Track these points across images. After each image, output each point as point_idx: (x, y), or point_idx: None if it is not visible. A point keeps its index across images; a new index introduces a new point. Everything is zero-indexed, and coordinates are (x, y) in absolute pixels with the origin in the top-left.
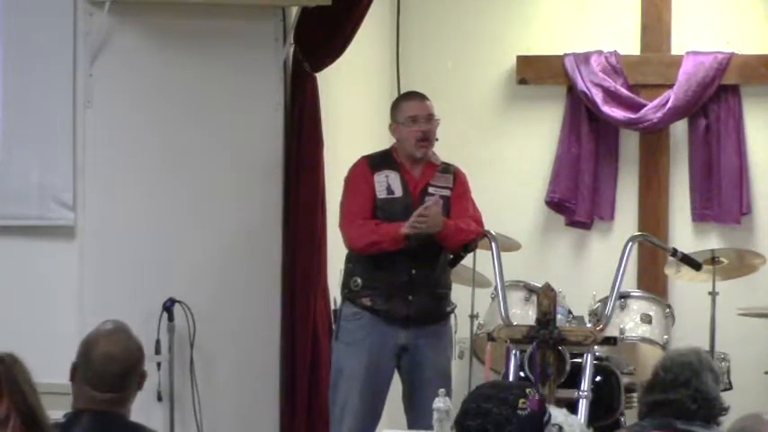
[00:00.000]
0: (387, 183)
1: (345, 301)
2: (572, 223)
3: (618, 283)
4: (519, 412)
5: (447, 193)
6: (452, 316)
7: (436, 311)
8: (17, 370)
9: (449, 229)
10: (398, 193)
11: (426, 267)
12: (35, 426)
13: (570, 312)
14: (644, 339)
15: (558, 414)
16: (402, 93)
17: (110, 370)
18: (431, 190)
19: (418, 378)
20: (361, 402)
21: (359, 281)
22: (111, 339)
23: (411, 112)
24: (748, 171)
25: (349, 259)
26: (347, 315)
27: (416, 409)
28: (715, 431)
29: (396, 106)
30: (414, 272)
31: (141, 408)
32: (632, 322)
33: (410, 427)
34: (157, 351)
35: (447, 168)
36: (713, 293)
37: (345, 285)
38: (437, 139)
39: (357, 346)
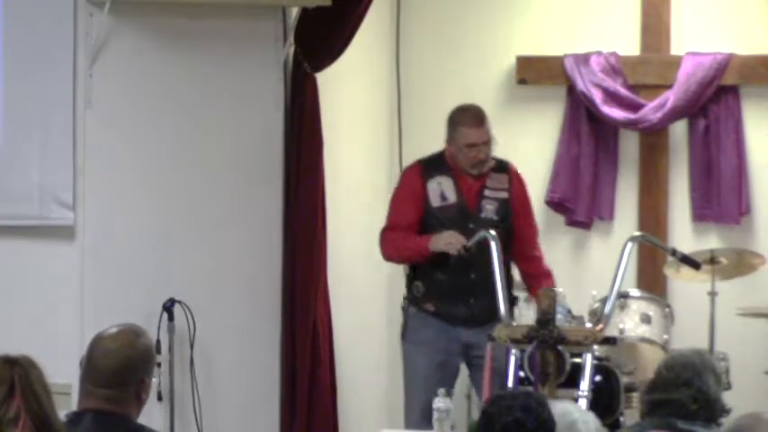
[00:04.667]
0: (440, 190)
1: (410, 305)
2: (572, 223)
3: (617, 283)
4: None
5: (504, 195)
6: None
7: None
8: (33, 372)
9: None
10: (452, 198)
11: (486, 271)
12: (46, 428)
13: (570, 312)
14: (643, 339)
15: (572, 410)
16: (460, 108)
17: (104, 363)
18: (486, 193)
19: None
20: (428, 398)
21: (420, 286)
22: (114, 336)
23: (469, 139)
24: (748, 171)
25: (410, 265)
26: (412, 314)
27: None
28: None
29: (453, 124)
30: (473, 276)
31: None
32: (632, 322)
33: None
34: (157, 351)
35: (501, 166)
36: (712, 293)
37: (408, 290)
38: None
39: (424, 345)
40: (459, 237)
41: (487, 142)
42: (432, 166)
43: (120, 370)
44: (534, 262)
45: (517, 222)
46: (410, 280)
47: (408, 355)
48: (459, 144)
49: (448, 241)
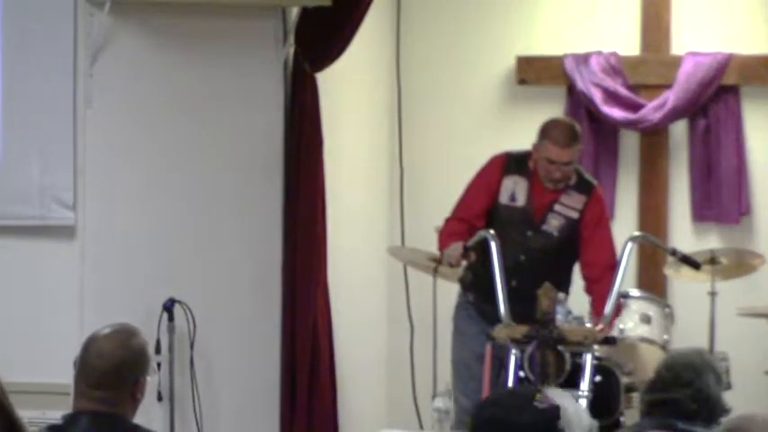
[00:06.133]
0: (513, 189)
1: (461, 289)
2: None
3: (617, 283)
4: (535, 403)
5: (574, 215)
6: None
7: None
8: None
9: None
10: (521, 202)
11: (528, 281)
12: (13, 427)
13: (570, 312)
14: (643, 339)
15: (567, 404)
16: (554, 121)
17: (98, 365)
18: (556, 208)
19: None
20: (471, 387)
21: (470, 275)
22: (108, 337)
23: (550, 155)
24: (747, 171)
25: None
26: (460, 304)
27: None
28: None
29: (542, 134)
30: (514, 283)
31: (141, 408)
32: (632, 322)
33: None
34: (157, 351)
35: (584, 187)
36: (712, 293)
37: (464, 274)
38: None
39: (464, 336)
40: (454, 255)
41: (569, 163)
42: (515, 162)
43: (115, 371)
44: (600, 284)
45: (585, 247)
46: (468, 265)
47: (452, 340)
48: (541, 155)
49: (446, 257)
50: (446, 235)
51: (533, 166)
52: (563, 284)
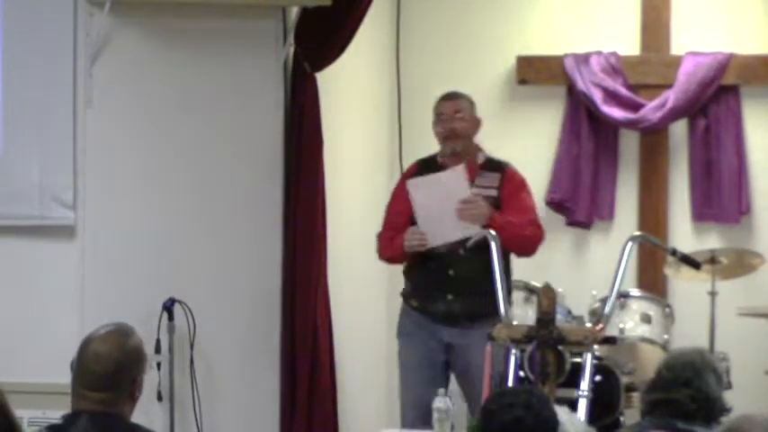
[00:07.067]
0: None
1: (402, 301)
2: (572, 223)
3: (617, 283)
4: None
5: (493, 193)
6: None
7: (481, 310)
8: None
9: (495, 223)
10: None
11: (465, 267)
12: (12, 427)
13: (570, 312)
14: (643, 339)
15: (560, 413)
16: None
17: (95, 369)
18: (474, 191)
19: (468, 378)
20: (418, 393)
21: (407, 282)
22: (104, 339)
23: (438, 109)
24: (747, 171)
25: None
26: (402, 311)
27: (470, 406)
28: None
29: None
30: (451, 272)
31: (141, 408)
32: (632, 322)
33: None
34: (157, 351)
35: (496, 166)
36: (712, 293)
37: (405, 286)
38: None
39: (410, 339)
40: (416, 233)
41: (456, 116)
42: (425, 163)
43: (113, 373)
44: None
45: (506, 210)
46: (404, 276)
47: (399, 350)
48: (434, 118)
49: (409, 241)
50: (386, 243)
51: (442, 161)
52: (506, 270)
